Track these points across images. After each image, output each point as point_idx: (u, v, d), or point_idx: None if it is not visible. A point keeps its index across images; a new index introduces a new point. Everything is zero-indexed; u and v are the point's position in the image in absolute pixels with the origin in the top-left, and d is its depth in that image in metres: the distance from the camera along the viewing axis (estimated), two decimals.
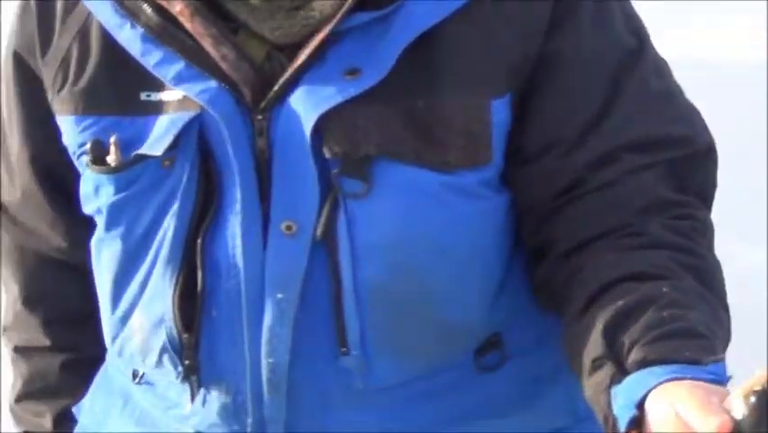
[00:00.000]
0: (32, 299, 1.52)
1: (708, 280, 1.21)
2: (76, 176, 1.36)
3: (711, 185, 1.31)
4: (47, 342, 1.52)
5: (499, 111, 1.25)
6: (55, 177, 1.42)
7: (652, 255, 1.20)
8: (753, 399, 1.02)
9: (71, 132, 1.32)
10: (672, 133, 1.28)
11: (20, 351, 1.55)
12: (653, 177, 1.25)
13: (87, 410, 1.49)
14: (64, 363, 1.52)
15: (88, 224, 1.37)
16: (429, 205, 1.23)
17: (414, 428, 1.32)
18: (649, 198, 1.24)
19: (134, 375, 1.39)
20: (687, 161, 1.28)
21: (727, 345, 1.19)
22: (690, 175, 1.28)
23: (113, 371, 1.46)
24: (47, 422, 1.54)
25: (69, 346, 1.52)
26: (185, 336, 1.27)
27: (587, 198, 1.25)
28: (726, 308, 1.22)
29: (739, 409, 1.02)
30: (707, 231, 1.27)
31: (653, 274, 1.18)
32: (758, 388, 1.02)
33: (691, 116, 1.31)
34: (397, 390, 1.30)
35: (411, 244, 1.24)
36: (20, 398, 1.55)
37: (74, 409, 1.52)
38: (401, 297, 1.25)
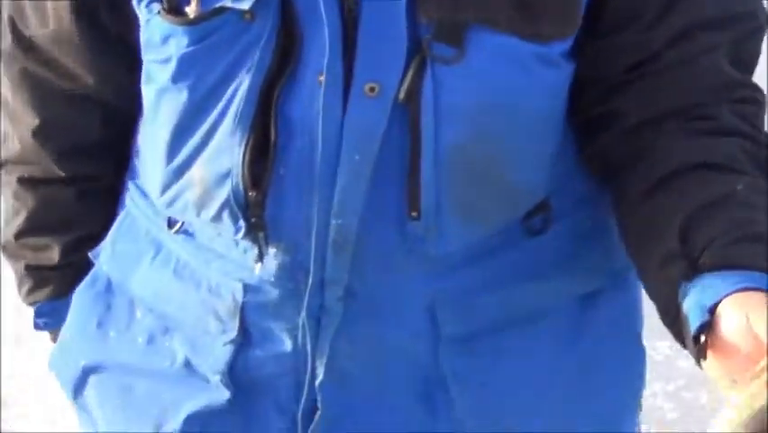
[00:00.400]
0: (46, 128, 1.47)
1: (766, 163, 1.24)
2: (118, 16, 1.33)
3: (758, 56, 1.34)
4: (61, 172, 1.48)
5: None
6: (95, 16, 1.37)
7: (724, 144, 1.22)
8: None
9: None
10: (740, 10, 1.29)
11: (25, 182, 1.51)
12: (724, 55, 1.27)
13: (109, 257, 1.47)
14: (81, 192, 1.50)
15: (128, 66, 1.34)
16: (517, 73, 1.23)
17: (466, 289, 1.33)
18: (721, 78, 1.26)
19: (170, 224, 1.38)
20: (750, 36, 1.30)
21: None
22: (750, 50, 1.31)
23: (140, 219, 1.44)
24: (54, 254, 1.52)
25: (87, 176, 1.50)
26: (251, 192, 1.25)
27: (662, 74, 1.25)
28: None
29: None
30: (763, 106, 1.30)
31: (726, 166, 1.19)
32: None
33: None
34: (457, 256, 1.31)
35: (494, 109, 1.24)
36: (21, 233, 1.52)
37: (90, 255, 1.49)
38: (478, 161, 1.26)
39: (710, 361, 1.07)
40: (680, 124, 1.24)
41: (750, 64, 1.31)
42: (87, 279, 1.49)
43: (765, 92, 1.31)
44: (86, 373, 1.48)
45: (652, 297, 1.19)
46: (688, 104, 1.24)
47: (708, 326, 1.06)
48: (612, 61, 1.27)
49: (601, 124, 1.29)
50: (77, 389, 1.49)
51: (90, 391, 1.49)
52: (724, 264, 1.09)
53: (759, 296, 1.05)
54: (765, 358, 1.01)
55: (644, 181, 1.22)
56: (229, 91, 1.24)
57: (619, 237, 1.30)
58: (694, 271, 1.11)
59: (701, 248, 1.12)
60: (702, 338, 1.06)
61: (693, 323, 1.07)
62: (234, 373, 1.36)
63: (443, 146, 1.23)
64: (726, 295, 1.06)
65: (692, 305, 1.09)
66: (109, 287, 1.47)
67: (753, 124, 1.25)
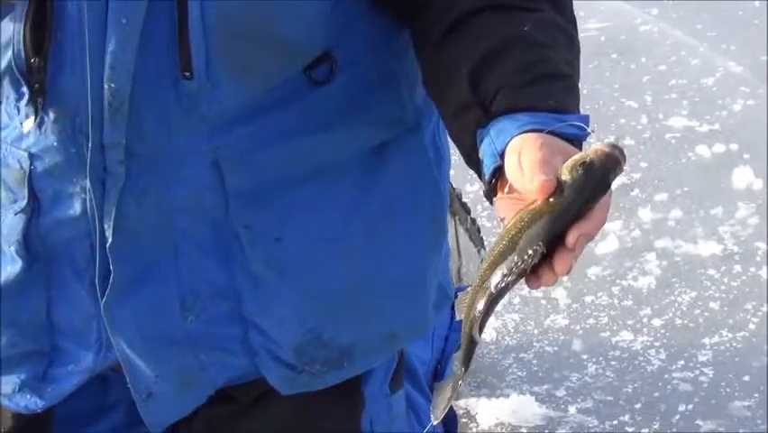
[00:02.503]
0: None
1: (560, 1, 1.27)
2: None
3: None
4: None
5: None
6: None
7: None
8: (579, 169, 1.09)
9: None
10: None
11: None
12: None
13: None
14: None
15: None
16: None
17: (249, 144, 1.35)
18: None
19: None
20: None
21: (579, 59, 1.26)
22: None
23: None
24: None
25: None
26: (33, 59, 1.28)
27: None
28: (572, 20, 1.28)
29: (566, 176, 1.08)
30: None
31: (515, 6, 1.23)
32: (586, 160, 1.09)
33: None
34: (236, 111, 1.34)
35: None
36: None
37: None
38: (244, 21, 1.28)
39: (498, 199, 1.15)
40: None
41: None
42: None
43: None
44: None
45: (454, 141, 1.25)
46: None
47: (500, 169, 1.13)
48: None
49: None
50: None
51: None
52: (513, 108, 1.15)
53: (540, 137, 1.12)
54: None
55: (436, 27, 1.26)
56: None
57: (422, 82, 1.33)
58: (487, 117, 1.17)
59: (492, 94, 1.17)
60: (489, 181, 1.15)
61: (487, 168, 1.15)
62: (29, 243, 1.39)
63: (208, 8, 1.25)
64: (513, 136, 1.13)
65: (485, 150, 1.16)
66: None
67: None
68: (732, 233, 2.42)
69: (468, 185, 2.44)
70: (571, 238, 1.09)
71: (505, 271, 1.11)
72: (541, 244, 1.09)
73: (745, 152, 2.63)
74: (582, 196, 1.09)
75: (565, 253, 1.10)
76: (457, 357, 1.20)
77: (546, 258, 1.09)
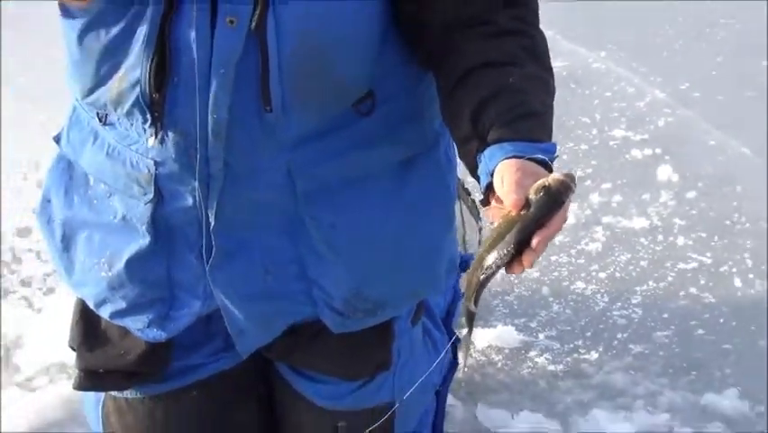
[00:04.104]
0: None
1: (539, 54, 1.25)
2: None
3: None
4: None
5: None
6: None
7: (505, 44, 1.23)
8: (541, 192, 1.08)
9: None
10: None
11: None
12: None
13: (65, 142, 1.47)
14: None
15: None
16: (329, 5, 1.23)
17: (310, 155, 1.34)
18: None
19: (99, 118, 1.37)
20: None
21: (554, 97, 1.24)
22: None
23: (82, 114, 1.42)
24: None
25: None
26: (155, 95, 1.26)
27: None
28: (549, 68, 1.26)
29: (532, 195, 1.08)
30: (533, 5, 1.29)
31: (506, 62, 1.21)
32: (546, 185, 1.08)
33: None
34: (302, 135, 1.32)
35: (317, 31, 1.24)
36: None
37: (53, 138, 1.49)
38: (310, 68, 1.26)
39: (487, 209, 1.15)
40: (470, 30, 1.25)
41: None
42: (55, 158, 1.49)
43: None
44: (64, 227, 1.48)
45: (461, 160, 1.24)
46: (474, 10, 1.25)
47: (491, 184, 1.13)
48: None
49: (417, 30, 1.29)
50: (63, 243, 1.49)
51: (69, 243, 1.49)
52: (500, 139, 1.15)
53: (517, 163, 1.12)
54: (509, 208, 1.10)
55: (449, 78, 1.25)
56: (139, 26, 1.24)
57: (440, 113, 1.32)
58: (483, 145, 1.16)
59: (486, 129, 1.17)
60: (485, 193, 1.15)
61: (482, 182, 1.15)
62: (155, 224, 1.38)
63: (284, 61, 1.23)
64: (499, 161, 1.13)
65: (482, 170, 1.16)
66: (69, 164, 1.47)
67: (527, 22, 1.26)
68: (656, 212, 2.40)
69: (468, 176, 2.46)
70: (533, 242, 1.08)
71: (489, 264, 1.11)
72: (512, 247, 1.09)
73: (666, 155, 2.61)
74: (542, 211, 1.08)
75: (530, 253, 1.09)
76: (461, 323, 1.22)
77: (517, 255, 1.09)
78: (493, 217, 1.14)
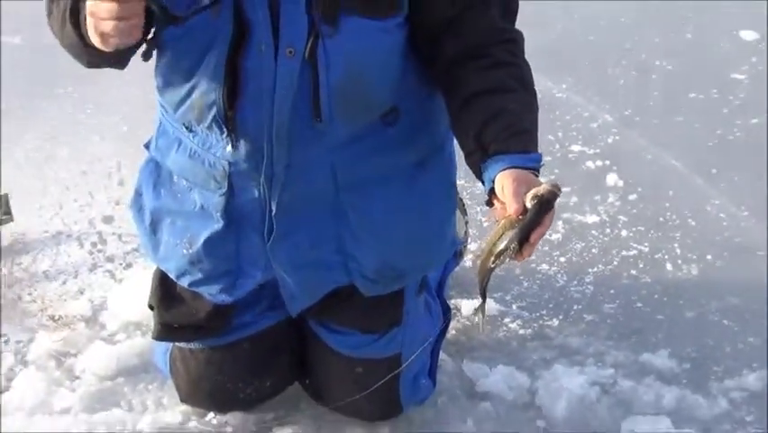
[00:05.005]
0: None
1: (527, 81, 1.24)
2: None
3: (518, 9, 1.31)
4: None
5: None
6: None
7: (500, 74, 1.22)
8: (535, 200, 1.09)
9: None
10: None
11: None
12: (498, 12, 1.25)
13: (154, 147, 1.46)
14: None
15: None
16: (368, 39, 1.23)
17: (348, 156, 1.34)
18: (496, 27, 1.25)
19: (186, 127, 1.36)
20: None
21: (537, 114, 1.23)
22: (512, 7, 1.29)
23: (168, 126, 1.42)
24: None
25: None
26: (229, 112, 1.26)
27: (460, 27, 1.25)
28: (534, 93, 1.25)
29: (528, 202, 1.09)
30: (522, 43, 1.28)
31: (502, 89, 1.20)
32: (538, 194, 1.09)
33: None
34: (343, 140, 1.32)
35: (358, 61, 1.24)
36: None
37: (144, 146, 1.48)
38: (352, 89, 1.26)
39: (492, 209, 1.16)
40: (472, 63, 1.24)
41: (514, 15, 1.29)
42: (145, 160, 1.49)
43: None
44: (153, 214, 1.47)
45: (470, 169, 1.23)
46: (476, 45, 1.24)
47: (493, 190, 1.14)
48: (432, 21, 1.25)
49: (433, 58, 1.28)
50: (151, 227, 1.49)
51: (156, 227, 1.49)
52: (499, 152, 1.15)
53: (514, 172, 1.12)
54: (506, 212, 1.12)
55: (455, 101, 1.24)
56: (212, 57, 1.23)
57: (451, 130, 1.32)
58: (485, 157, 1.17)
59: (488, 144, 1.17)
60: (488, 196, 1.16)
61: (486, 187, 1.16)
62: (228, 212, 1.38)
63: (331, 82, 1.23)
64: (499, 171, 1.13)
65: (485, 177, 1.16)
66: (157, 164, 1.47)
67: (517, 56, 1.25)
68: (605, 210, 2.38)
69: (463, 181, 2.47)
70: (532, 239, 1.10)
71: (497, 254, 1.13)
72: (516, 244, 1.11)
73: (613, 166, 2.59)
74: (537, 216, 1.09)
75: (529, 246, 1.11)
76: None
77: (519, 248, 1.11)
78: (498, 217, 1.14)
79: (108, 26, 1.11)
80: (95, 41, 1.14)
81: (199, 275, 1.45)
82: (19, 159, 2.57)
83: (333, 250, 1.40)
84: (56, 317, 1.91)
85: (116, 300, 1.95)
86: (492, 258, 1.14)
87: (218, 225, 1.40)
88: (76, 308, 1.94)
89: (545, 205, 1.09)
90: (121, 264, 2.12)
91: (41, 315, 1.92)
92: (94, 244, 2.19)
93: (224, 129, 1.29)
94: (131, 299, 1.91)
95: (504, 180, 1.11)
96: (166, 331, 1.53)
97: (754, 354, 1.85)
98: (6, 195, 2.17)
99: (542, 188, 1.09)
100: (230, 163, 1.33)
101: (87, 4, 1.12)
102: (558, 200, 1.12)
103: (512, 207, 1.08)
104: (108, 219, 2.29)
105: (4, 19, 3.37)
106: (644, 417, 1.67)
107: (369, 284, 1.44)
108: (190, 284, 1.47)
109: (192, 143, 1.37)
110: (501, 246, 1.11)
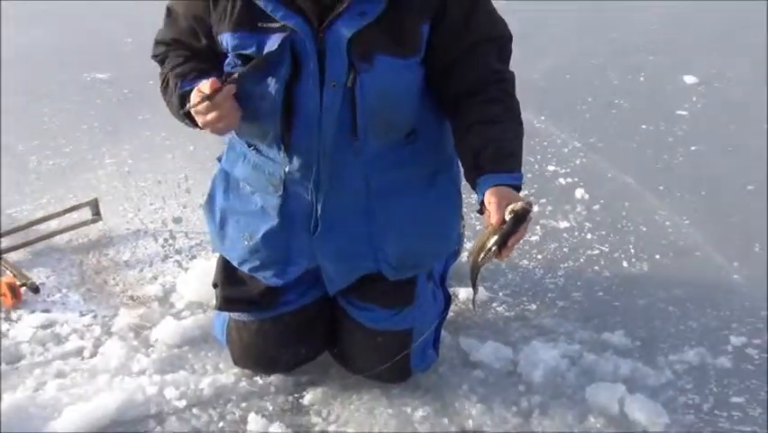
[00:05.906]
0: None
1: (516, 114, 1.24)
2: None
3: (511, 54, 1.31)
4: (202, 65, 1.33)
5: (424, 30, 1.24)
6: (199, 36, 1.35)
7: (494, 108, 1.22)
8: (512, 213, 1.09)
9: (230, 40, 1.25)
10: (501, 29, 1.28)
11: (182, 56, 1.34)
12: (495, 57, 1.25)
13: (224, 160, 1.47)
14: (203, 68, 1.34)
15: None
16: (395, 74, 1.24)
17: (378, 168, 1.34)
18: (492, 69, 1.25)
19: (249, 145, 1.37)
20: (507, 43, 1.29)
21: (523, 138, 1.22)
22: (507, 51, 1.29)
23: (236, 143, 1.43)
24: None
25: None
26: (286, 133, 1.27)
27: (463, 67, 1.25)
28: (521, 122, 1.24)
29: (507, 215, 1.10)
30: (513, 81, 1.27)
31: (495, 121, 1.21)
32: (515, 209, 1.09)
33: (504, 23, 1.30)
34: (375, 154, 1.32)
35: (387, 91, 1.25)
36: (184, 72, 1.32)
37: (217, 159, 1.48)
38: (383, 114, 1.26)
39: (485, 216, 1.14)
40: (471, 99, 1.24)
41: (508, 58, 1.29)
42: (217, 170, 1.48)
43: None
44: (222, 213, 1.48)
45: (468, 183, 1.23)
46: (475, 83, 1.24)
47: (482, 201, 1.14)
48: (442, 62, 1.26)
49: (442, 92, 1.29)
50: (220, 223, 1.49)
51: (224, 223, 1.49)
52: (491, 171, 1.16)
53: (499, 189, 1.12)
54: (491, 219, 1.11)
55: (459, 128, 1.25)
56: (270, 90, 1.24)
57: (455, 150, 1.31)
58: (481, 175, 1.17)
59: (482, 165, 1.17)
60: (480, 206, 1.16)
61: (479, 198, 1.16)
62: (282, 211, 1.39)
63: (366, 108, 1.24)
64: (489, 186, 1.14)
65: (478, 191, 1.17)
66: (226, 174, 1.48)
67: (509, 93, 1.26)
68: (574, 218, 2.38)
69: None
70: (509, 243, 1.11)
71: (482, 255, 1.13)
72: (495, 247, 1.11)
73: (580, 182, 2.58)
74: (512, 227, 1.10)
75: (506, 250, 1.12)
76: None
77: (499, 250, 1.12)
78: (486, 222, 1.15)
79: (211, 119, 1.21)
80: (204, 128, 1.24)
81: (257, 262, 1.46)
82: (107, 170, 2.62)
83: (365, 243, 1.41)
84: (134, 298, 1.94)
85: (183, 284, 1.98)
86: (480, 257, 1.14)
87: (274, 222, 1.41)
88: (150, 291, 1.97)
89: (520, 218, 1.11)
90: (187, 256, 2.14)
91: (123, 295, 1.95)
92: (165, 240, 2.22)
93: (281, 146, 1.31)
94: (195, 283, 1.93)
95: (490, 196, 1.13)
96: (226, 303, 1.54)
97: (693, 334, 1.87)
98: (96, 199, 2.24)
99: (518, 205, 1.11)
100: (285, 173, 1.35)
101: (189, 107, 1.22)
102: (536, 210, 1.13)
103: (494, 218, 1.11)
104: (177, 220, 2.32)
105: (94, 57, 3.48)
106: (604, 383, 1.69)
107: (392, 270, 1.45)
108: (250, 270, 1.48)
109: (255, 157, 1.39)
110: (485, 250, 1.14)
